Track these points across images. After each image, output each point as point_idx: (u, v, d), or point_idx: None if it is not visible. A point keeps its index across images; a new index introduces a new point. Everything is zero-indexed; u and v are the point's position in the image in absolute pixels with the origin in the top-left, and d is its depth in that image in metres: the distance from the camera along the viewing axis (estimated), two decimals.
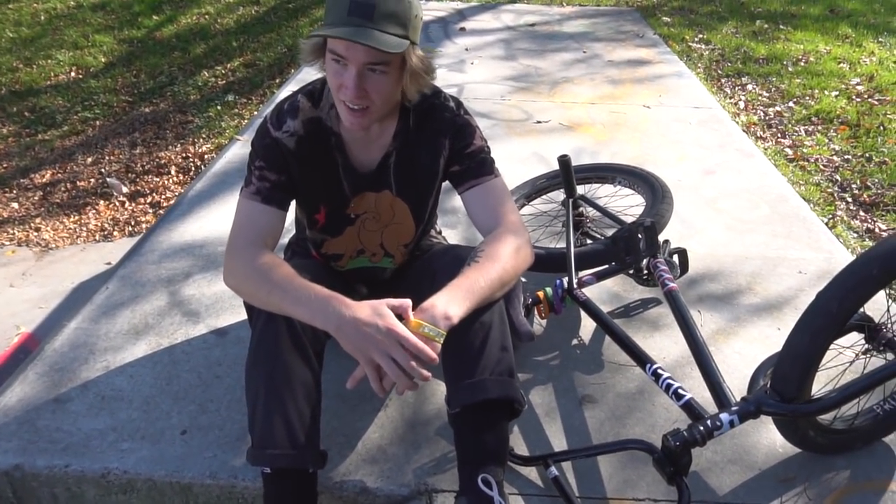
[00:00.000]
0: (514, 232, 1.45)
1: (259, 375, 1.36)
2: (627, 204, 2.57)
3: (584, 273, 2.00)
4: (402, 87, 1.39)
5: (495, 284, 1.36)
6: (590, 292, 2.15)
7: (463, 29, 5.44)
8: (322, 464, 1.38)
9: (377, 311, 1.26)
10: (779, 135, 3.91)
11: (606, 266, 2.00)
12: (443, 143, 1.52)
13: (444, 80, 4.21)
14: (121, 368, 1.83)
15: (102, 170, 4.59)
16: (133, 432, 1.63)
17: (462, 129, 1.52)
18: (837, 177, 3.37)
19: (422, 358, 1.25)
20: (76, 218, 4.12)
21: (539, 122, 3.59)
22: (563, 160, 2.20)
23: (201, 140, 4.71)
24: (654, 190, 2.22)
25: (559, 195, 2.47)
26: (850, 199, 3.16)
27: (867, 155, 3.56)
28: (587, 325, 2.02)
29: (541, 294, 1.91)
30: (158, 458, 1.56)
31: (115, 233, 3.93)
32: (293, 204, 1.57)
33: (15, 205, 4.31)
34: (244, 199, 1.45)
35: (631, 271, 2.03)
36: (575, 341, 1.96)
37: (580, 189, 2.36)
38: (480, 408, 1.35)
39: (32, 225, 4.06)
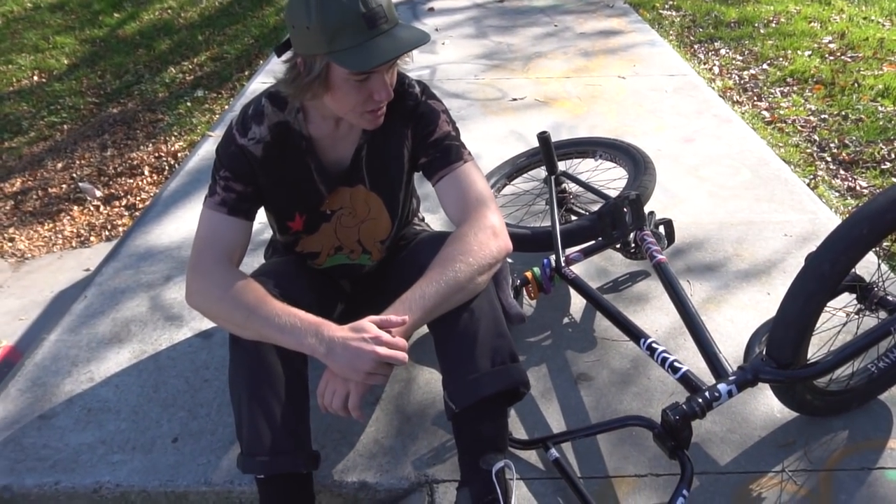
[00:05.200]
0: (477, 226, 1.37)
1: (241, 380, 1.32)
2: (610, 177, 2.56)
3: (571, 250, 1.98)
4: None
5: (447, 291, 1.30)
6: (577, 269, 2.14)
7: (432, 9, 5.37)
8: (315, 464, 1.35)
9: (359, 328, 1.25)
10: (755, 98, 3.90)
11: (593, 242, 1.98)
12: (405, 133, 1.47)
13: (416, 62, 4.15)
14: (106, 379, 1.78)
15: (74, 175, 4.49)
16: (123, 444, 1.59)
17: (424, 117, 1.46)
18: (816, 137, 3.36)
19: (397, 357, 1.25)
20: (51, 225, 4.03)
21: (514, 99, 3.55)
22: (543, 137, 2.16)
23: (173, 138, 4.62)
24: (635, 162, 2.20)
25: (541, 173, 2.45)
26: (829, 159, 3.16)
27: (843, 113, 3.56)
28: (577, 303, 2.00)
29: (529, 275, 1.89)
30: (151, 468, 1.52)
31: (92, 238, 3.85)
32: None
33: None
34: (208, 209, 1.39)
35: (618, 245, 2.01)
36: (566, 320, 1.94)
37: (561, 165, 2.33)
38: (480, 401, 1.32)
39: (6, 235, 3.97)
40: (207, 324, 1.97)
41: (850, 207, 2.72)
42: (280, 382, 1.31)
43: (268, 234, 1.94)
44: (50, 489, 1.50)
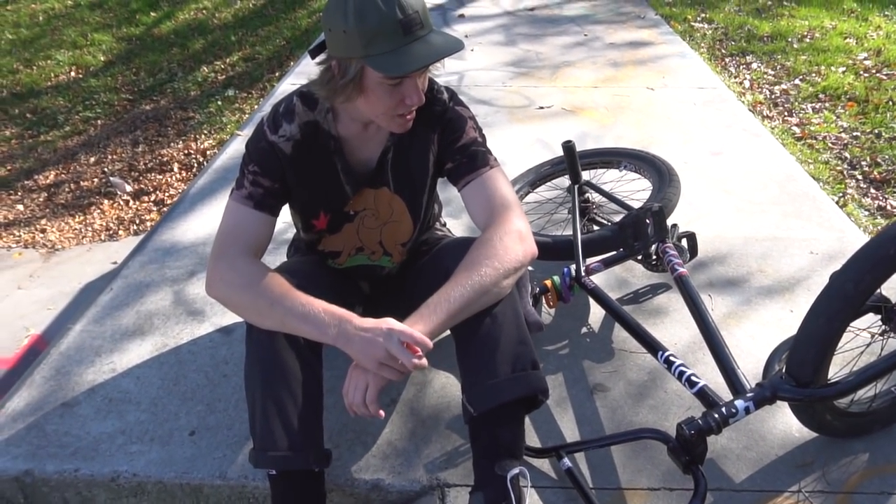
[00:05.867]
0: (503, 230, 1.38)
1: (256, 376, 1.34)
2: (634, 189, 2.54)
3: (592, 260, 1.97)
4: None
5: (473, 295, 1.31)
6: (597, 279, 2.13)
7: (462, 16, 5.39)
8: (326, 463, 1.37)
9: (380, 321, 1.27)
10: (786, 113, 3.85)
11: (614, 252, 1.97)
12: (432, 138, 1.48)
13: (446, 68, 4.16)
14: (127, 370, 1.82)
15: (105, 169, 4.58)
16: (142, 434, 1.62)
17: (451, 122, 1.47)
18: (847, 154, 3.32)
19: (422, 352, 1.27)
20: (81, 218, 4.12)
21: (541, 107, 3.55)
22: (568, 146, 2.16)
23: (203, 136, 4.69)
24: (660, 173, 2.19)
25: (564, 181, 2.44)
26: (860, 177, 3.11)
27: (876, 131, 3.51)
28: (596, 313, 2.00)
29: (548, 283, 1.89)
30: (168, 460, 1.55)
31: (121, 232, 3.93)
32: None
33: (20, 207, 4.31)
34: (235, 202, 1.41)
35: (639, 257, 2.00)
36: (584, 330, 1.94)
37: (585, 175, 2.33)
38: (499, 406, 1.33)
39: (38, 226, 4.06)
40: (229, 319, 1.99)
41: (879, 227, 2.68)
42: (295, 380, 1.33)
43: (290, 233, 1.96)
44: (69, 476, 1.53)
